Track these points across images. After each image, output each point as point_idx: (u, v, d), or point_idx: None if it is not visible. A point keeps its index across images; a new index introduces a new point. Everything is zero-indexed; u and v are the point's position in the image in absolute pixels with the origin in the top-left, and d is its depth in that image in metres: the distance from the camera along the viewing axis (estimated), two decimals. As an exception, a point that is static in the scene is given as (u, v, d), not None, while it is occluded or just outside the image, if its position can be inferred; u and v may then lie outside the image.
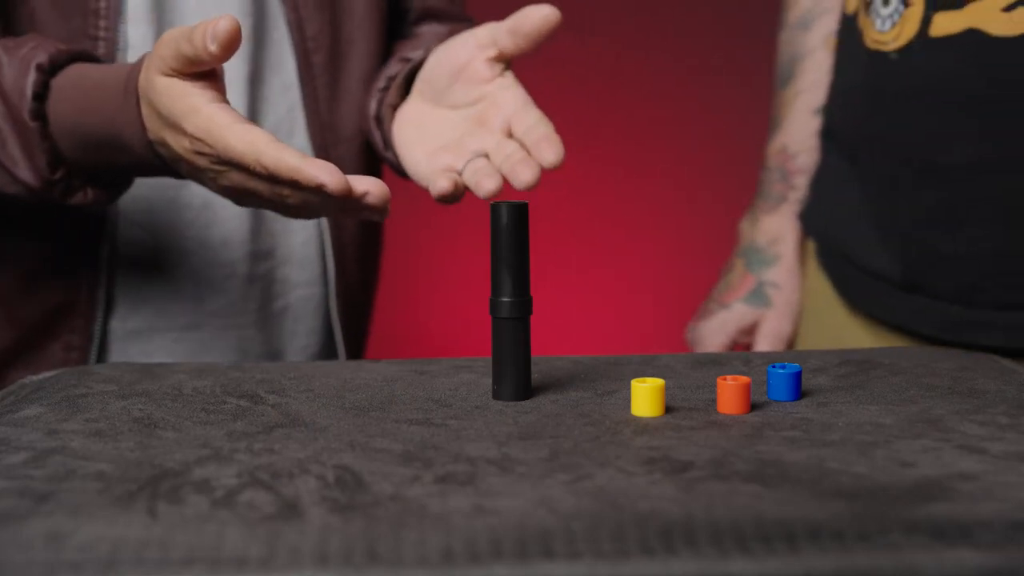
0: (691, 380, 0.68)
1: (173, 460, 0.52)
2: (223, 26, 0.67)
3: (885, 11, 0.90)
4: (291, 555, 0.41)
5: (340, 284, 0.99)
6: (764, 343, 1.05)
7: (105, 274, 0.91)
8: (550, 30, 0.77)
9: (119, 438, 0.56)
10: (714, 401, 0.62)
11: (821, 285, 1.03)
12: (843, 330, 1.00)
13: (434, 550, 0.42)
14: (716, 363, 0.73)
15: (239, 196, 0.75)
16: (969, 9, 0.85)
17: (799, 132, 1.07)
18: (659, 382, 0.60)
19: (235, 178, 0.72)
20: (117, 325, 0.93)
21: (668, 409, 0.61)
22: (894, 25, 0.89)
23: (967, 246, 0.89)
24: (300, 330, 1.00)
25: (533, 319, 0.64)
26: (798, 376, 0.63)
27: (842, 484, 0.48)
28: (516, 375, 0.64)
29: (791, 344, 1.06)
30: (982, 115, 0.86)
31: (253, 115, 0.94)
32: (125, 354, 0.94)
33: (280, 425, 0.58)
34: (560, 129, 0.77)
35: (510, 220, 0.62)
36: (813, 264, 1.06)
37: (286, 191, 0.70)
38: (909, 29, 0.88)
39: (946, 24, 0.86)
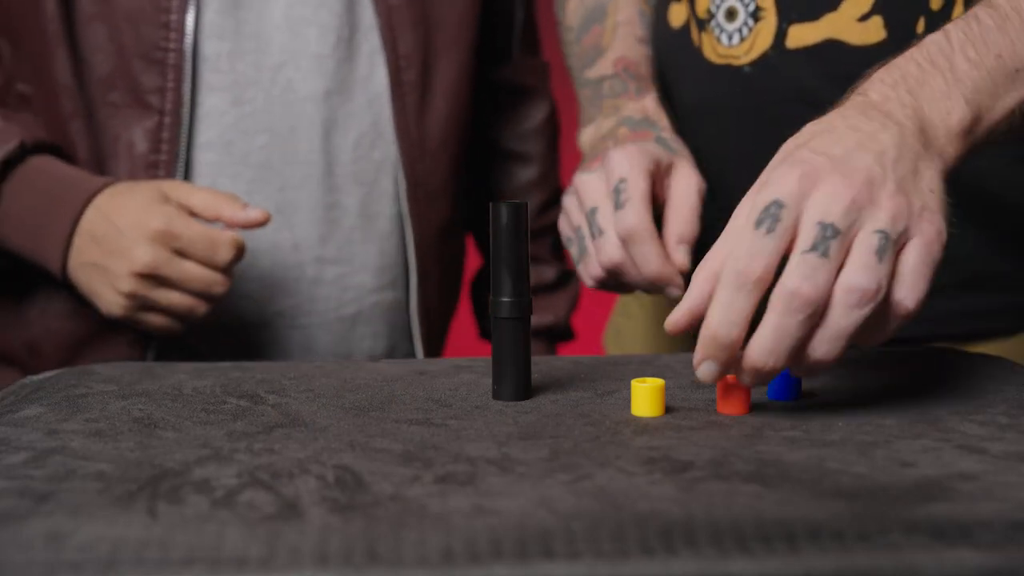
0: (691, 380, 0.68)
1: (173, 460, 0.52)
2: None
3: (731, 26, 0.88)
4: (291, 555, 0.41)
5: (421, 289, 1.03)
6: (689, 187, 0.85)
7: None
8: None
9: (119, 438, 0.56)
10: (714, 401, 0.62)
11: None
12: None
13: (434, 550, 0.42)
14: (716, 363, 0.73)
15: (141, 305, 0.88)
16: (825, 20, 0.85)
17: (632, 49, 0.97)
18: (659, 382, 0.60)
19: (185, 269, 0.87)
20: None
21: (668, 409, 0.61)
22: (743, 39, 0.88)
23: None
24: (368, 333, 1.02)
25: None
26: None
27: (842, 484, 0.48)
28: (516, 375, 0.64)
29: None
30: None
31: (330, 128, 0.97)
32: (188, 349, 0.97)
33: (280, 425, 0.58)
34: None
35: (510, 220, 0.62)
36: (659, 299, 1.02)
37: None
38: (762, 41, 0.87)
39: (803, 35, 0.86)
